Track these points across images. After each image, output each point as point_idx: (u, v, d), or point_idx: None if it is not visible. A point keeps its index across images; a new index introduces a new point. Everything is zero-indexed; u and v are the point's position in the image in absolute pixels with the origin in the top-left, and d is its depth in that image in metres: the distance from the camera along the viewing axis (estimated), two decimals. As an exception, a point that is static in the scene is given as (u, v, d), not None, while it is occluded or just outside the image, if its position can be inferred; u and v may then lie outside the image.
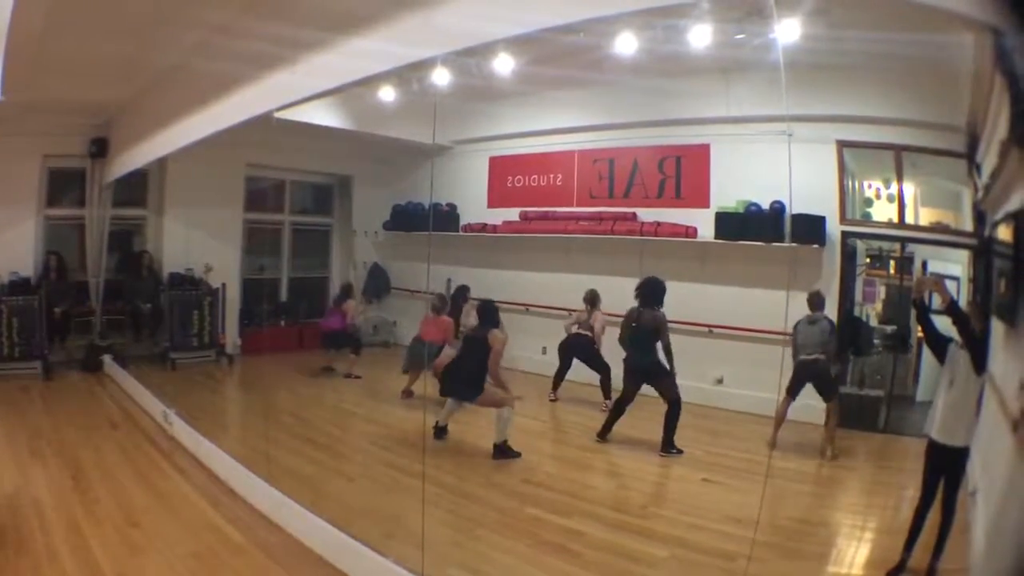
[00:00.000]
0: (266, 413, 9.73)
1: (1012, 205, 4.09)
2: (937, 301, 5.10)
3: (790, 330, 8.92)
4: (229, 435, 8.71)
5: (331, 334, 12.33)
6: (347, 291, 12.68)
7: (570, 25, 3.96)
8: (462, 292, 11.67)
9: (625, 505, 7.02)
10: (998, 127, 4.28)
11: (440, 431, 8.68)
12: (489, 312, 8.54)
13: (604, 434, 8.79)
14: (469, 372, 8.20)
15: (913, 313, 7.63)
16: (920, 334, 8.67)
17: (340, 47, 5.80)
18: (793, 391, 8.27)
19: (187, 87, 9.01)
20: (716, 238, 10.19)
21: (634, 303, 8.87)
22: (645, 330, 8.53)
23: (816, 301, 8.51)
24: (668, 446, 8.34)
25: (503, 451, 8.09)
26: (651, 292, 8.61)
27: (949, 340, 4.81)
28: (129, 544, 5.70)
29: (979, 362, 4.47)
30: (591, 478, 7.98)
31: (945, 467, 4.85)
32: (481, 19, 4.41)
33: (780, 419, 8.30)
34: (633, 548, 5.86)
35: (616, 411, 8.77)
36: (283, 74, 6.65)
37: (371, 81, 6.32)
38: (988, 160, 4.95)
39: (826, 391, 8.27)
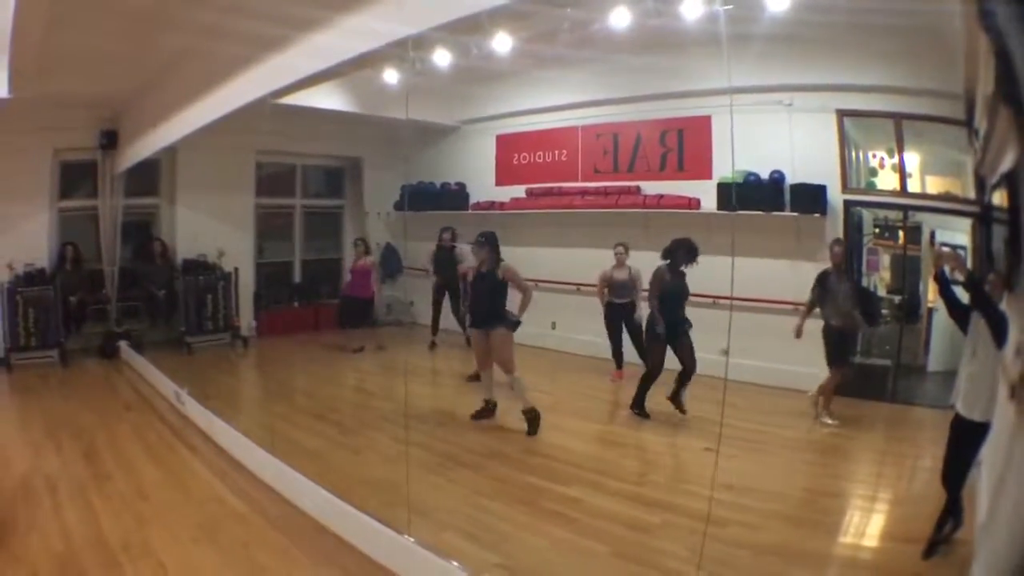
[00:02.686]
0: (274, 390, 9.88)
1: (1005, 166, 4.06)
2: (957, 274, 5.08)
3: (796, 299, 8.97)
4: (238, 412, 8.89)
5: (360, 303, 12.49)
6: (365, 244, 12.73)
7: None
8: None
9: (626, 474, 7.09)
10: (988, 89, 4.30)
11: (488, 410, 8.67)
12: (492, 243, 8.46)
13: (638, 406, 8.72)
14: (489, 307, 8.32)
15: (934, 287, 7.67)
16: (931, 303, 8.76)
17: (337, 26, 5.88)
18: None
19: (190, 75, 9.13)
20: (718, 209, 10.16)
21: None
22: (678, 289, 8.49)
23: (839, 251, 8.42)
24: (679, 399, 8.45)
25: (534, 417, 8.15)
26: (686, 252, 8.44)
27: (971, 310, 4.71)
28: (137, 516, 5.90)
29: (998, 335, 4.28)
30: (596, 449, 8.02)
31: (967, 441, 4.67)
32: None
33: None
34: (628, 515, 5.95)
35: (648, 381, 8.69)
36: (283, 56, 6.77)
37: (370, 59, 6.35)
38: (983, 124, 4.95)
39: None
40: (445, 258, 11.40)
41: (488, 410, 8.64)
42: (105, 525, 5.70)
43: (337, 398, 10.36)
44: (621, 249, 9.92)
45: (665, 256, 8.53)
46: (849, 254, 8.76)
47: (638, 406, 8.68)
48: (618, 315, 9.99)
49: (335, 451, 7.81)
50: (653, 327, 8.55)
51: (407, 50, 5.72)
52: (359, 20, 5.54)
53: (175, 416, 8.95)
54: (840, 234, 9.37)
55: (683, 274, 8.43)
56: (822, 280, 8.35)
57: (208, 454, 7.61)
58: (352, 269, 12.64)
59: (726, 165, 10.22)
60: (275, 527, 5.78)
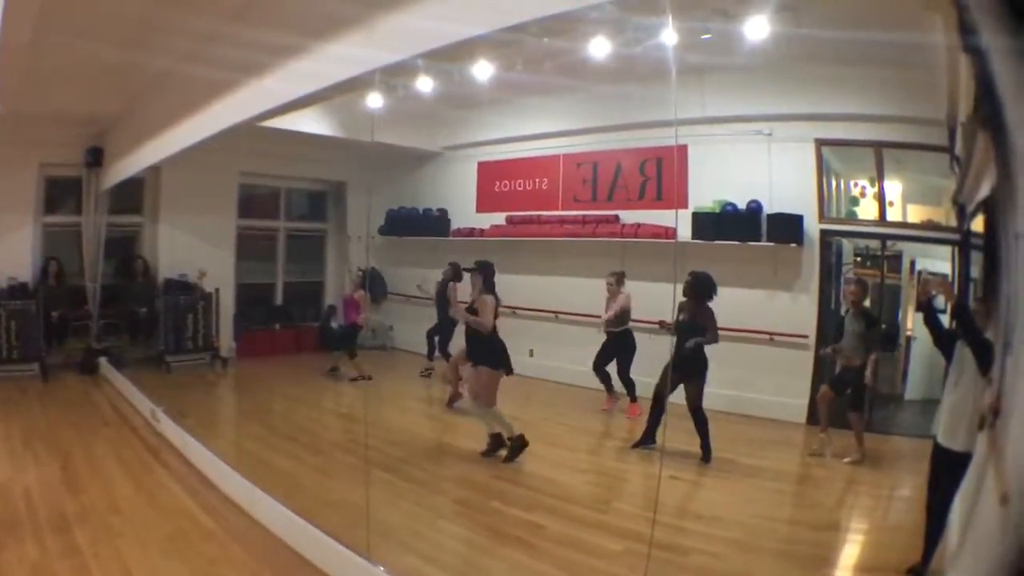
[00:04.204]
0: (248, 410, 9.89)
1: (983, 193, 4.07)
2: (941, 302, 5.09)
3: (771, 329, 9.01)
4: (212, 431, 8.83)
5: (351, 331, 12.51)
6: (363, 278, 12.74)
7: (537, 21, 4.00)
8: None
9: (591, 501, 7.09)
10: (967, 114, 4.30)
11: (497, 445, 8.29)
12: (484, 273, 8.35)
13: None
14: (485, 346, 8.21)
15: (915, 316, 7.66)
16: (909, 331, 8.80)
17: (314, 53, 5.97)
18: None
19: (174, 97, 9.20)
20: (693, 238, 10.13)
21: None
22: (693, 324, 8.12)
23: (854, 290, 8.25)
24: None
25: (519, 446, 8.06)
26: (700, 287, 8.23)
27: (957, 338, 4.61)
28: (108, 528, 5.99)
29: (984, 363, 4.15)
30: (564, 476, 7.92)
31: (947, 472, 4.47)
32: (449, 20, 4.51)
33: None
34: (590, 541, 5.98)
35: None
36: (265, 81, 6.81)
37: (352, 85, 6.40)
38: (963, 151, 4.95)
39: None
40: (440, 294, 11.29)
41: (495, 444, 8.30)
42: (78, 535, 5.80)
43: (311, 420, 10.40)
44: (611, 280, 9.85)
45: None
46: (866, 290, 8.63)
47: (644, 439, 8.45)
48: (606, 345, 9.95)
49: (304, 472, 7.88)
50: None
51: (383, 77, 5.80)
52: (335, 48, 5.63)
53: (150, 433, 9.00)
54: (816, 264, 9.42)
55: (699, 310, 8.16)
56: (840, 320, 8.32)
57: (180, 471, 7.67)
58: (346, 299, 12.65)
59: (702, 195, 10.27)
60: (241, 545, 5.85)
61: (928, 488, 4.80)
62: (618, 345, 9.82)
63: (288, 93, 6.53)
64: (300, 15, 6.27)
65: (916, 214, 8.98)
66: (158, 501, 6.77)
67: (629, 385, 9.82)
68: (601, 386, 10.03)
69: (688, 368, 8.04)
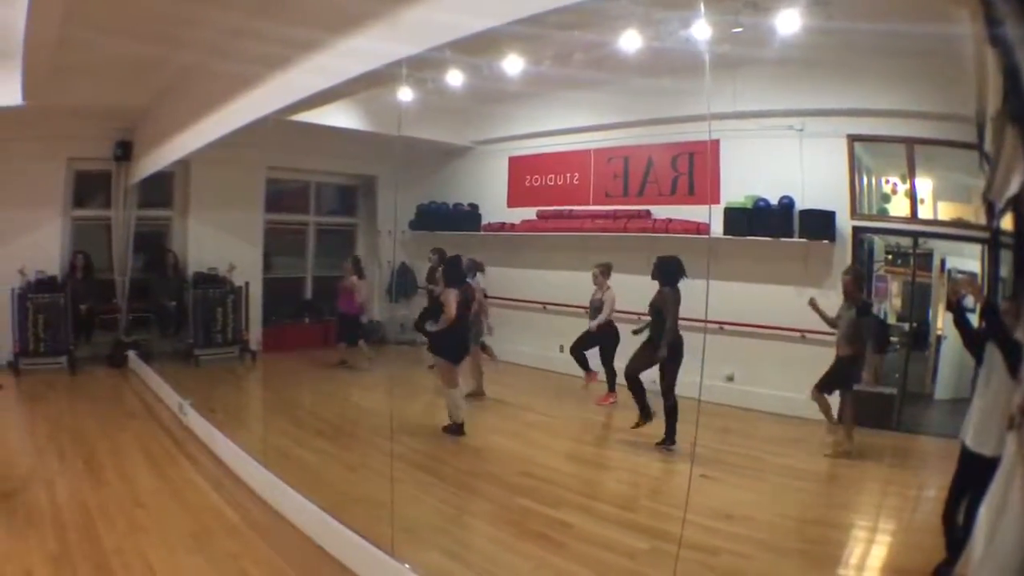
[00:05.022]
0: (275, 404, 9.87)
1: (1013, 189, 4.00)
2: (970, 301, 4.93)
3: (802, 326, 8.93)
4: (239, 425, 8.86)
5: (348, 319, 12.58)
6: (355, 264, 12.81)
7: (559, 9, 3.94)
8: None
9: (618, 499, 7.04)
10: (996, 108, 4.21)
11: (456, 428, 8.66)
12: (449, 270, 8.82)
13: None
14: (443, 338, 8.59)
15: (945, 314, 7.57)
16: (939, 331, 8.70)
17: (335, 47, 5.97)
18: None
19: (201, 90, 9.23)
20: (725, 234, 10.03)
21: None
22: (654, 308, 8.29)
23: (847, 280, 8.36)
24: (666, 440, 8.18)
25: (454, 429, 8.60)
26: (659, 270, 8.33)
27: (987, 339, 4.41)
28: (131, 523, 5.96)
29: (1013, 364, 4.02)
30: (589, 472, 7.99)
31: (975, 477, 4.31)
32: (471, 12, 4.47)
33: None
34: (616, 540, 5.91)
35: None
36: (290, 74, 6.82)
37: (375, 78, 6.34)
38: (992, 147, 4.87)
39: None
40: (431, 279, 11.36)
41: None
42: (101, 530, 5.77)
43: (337, 414, 10.37)
44: (596, 271, 10.01)
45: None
46: (860, 281, 8.61)
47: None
48: (585, 335, 10.08)
49: (331, 467, 7.86)
50: None
51: (412, 71, 5.77)
52: (358, 41, 5.62)
53: (178, 427, 8.99)
54: (848, 260, 9.30)
55: (664, 292, 8.24)
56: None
57: (207, 465, 7.66)
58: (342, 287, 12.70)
59: (734, 190, 10.18)
60: (267, 541, 5.82)
61: (949, 494, 4.68)
62: (601, 336, 9.95)
63: (312, 86, 6.52)
64: (323, 8, 6.29)
65: (947, 211, 8.87)
66: (183, 495, 6.74)
67: (610, 374, 9.96)
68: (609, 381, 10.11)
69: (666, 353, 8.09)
